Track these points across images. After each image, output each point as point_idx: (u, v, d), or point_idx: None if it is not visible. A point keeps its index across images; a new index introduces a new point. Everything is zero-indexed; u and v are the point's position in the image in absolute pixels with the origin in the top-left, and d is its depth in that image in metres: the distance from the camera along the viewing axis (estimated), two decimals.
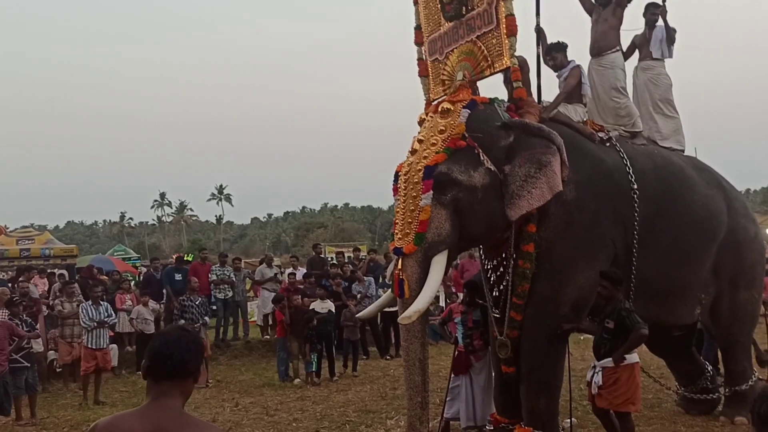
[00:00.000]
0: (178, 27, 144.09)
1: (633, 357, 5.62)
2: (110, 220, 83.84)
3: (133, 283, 14.45)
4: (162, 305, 12.08)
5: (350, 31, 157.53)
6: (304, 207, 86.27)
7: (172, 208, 77.83)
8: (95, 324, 9.24)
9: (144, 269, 18.88)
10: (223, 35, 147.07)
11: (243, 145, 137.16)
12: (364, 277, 12.09)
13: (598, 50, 6.85)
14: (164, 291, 12.26)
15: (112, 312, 9.87)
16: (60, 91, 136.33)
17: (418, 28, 6.69)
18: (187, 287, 10.85)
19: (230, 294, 12.34)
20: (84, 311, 9.37)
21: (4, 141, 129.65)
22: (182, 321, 9.82)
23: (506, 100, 6.04)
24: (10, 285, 10.81)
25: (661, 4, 7.09)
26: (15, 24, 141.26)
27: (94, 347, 9.20)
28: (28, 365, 8.22)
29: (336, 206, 79.10)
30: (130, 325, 11.50)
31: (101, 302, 9.62)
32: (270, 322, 12.87)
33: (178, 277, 12.09)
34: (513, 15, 5.64)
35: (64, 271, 13.23)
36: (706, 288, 6.58)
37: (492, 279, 6.10)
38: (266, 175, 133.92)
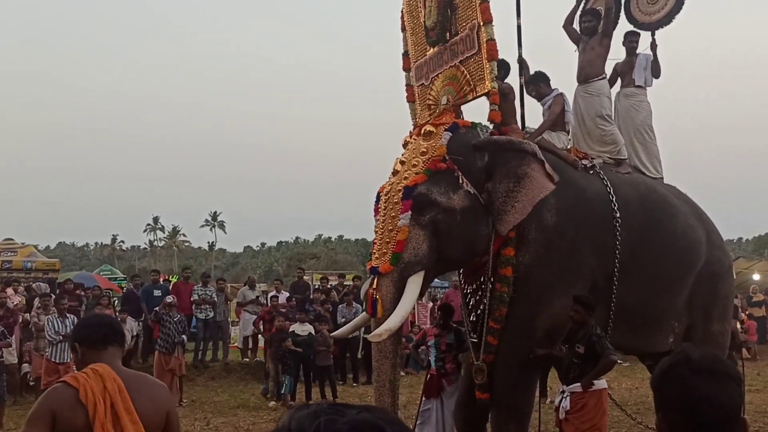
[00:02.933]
0: (178, 48, 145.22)
1: (601, 383, 5.56)
2: (101, 243, 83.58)
3: (116, 302, 14.29)
4: (141, 323, 11.93)
5: (351, 55, 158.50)
6: (297, 237, 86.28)
7: (164, 232, 77.74)
8: (60, 337, 8.91)
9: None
10: (224, 59, 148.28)
11: (238, 172, 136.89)
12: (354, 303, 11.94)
13: (585, 77, 6.90)
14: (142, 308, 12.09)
15: None
16: (58, 109, 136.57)
17: (405, 54, 6.76)
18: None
19: (211, 314, 12.19)
20: (50, 324, 9.06)
21: None
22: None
23: (490, 125, 6.06)
24: None
25: (639, 32, 7.21)
26: (12, 38, 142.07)
27: (57, 361, 8.88)
28: None
29: (330, 238, 79.09)
30: None
31: (68, 315, 9.32)
32: (250, 345, 12.73)
33: (156, 293, 11.97)
34: (494, 40, 5.69)
35: (44, 284, 13.07)
36: (680, 317, 6.55)
37: (470, 303, 6.04)
38: (261, 204, 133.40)
